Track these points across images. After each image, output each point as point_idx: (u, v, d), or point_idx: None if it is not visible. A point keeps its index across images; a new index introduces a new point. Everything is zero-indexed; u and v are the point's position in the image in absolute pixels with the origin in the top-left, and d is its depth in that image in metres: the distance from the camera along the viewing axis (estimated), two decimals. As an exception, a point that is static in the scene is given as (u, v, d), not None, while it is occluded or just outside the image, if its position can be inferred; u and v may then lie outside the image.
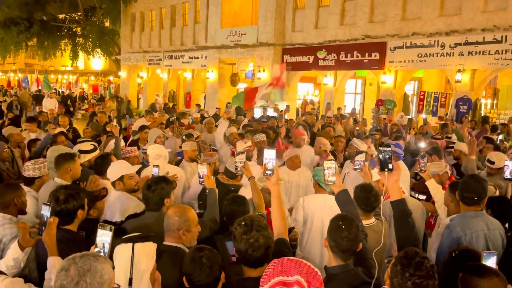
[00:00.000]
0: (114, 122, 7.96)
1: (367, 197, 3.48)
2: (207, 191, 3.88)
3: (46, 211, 2.60)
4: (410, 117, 13.54)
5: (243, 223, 2.41)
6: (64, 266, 1.78)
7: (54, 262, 2.54)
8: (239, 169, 3.70)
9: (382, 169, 2.52)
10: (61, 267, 1.78)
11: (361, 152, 3.68)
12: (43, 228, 2.55)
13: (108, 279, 1.80)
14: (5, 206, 3.18)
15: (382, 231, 2.72)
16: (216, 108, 14.64)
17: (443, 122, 11.70)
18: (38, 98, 19.21)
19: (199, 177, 3.89)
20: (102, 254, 2.16)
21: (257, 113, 14.48)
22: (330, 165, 2.97)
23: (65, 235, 2.89)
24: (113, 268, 1.91)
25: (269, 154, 2.78)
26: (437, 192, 4.34)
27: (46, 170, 4.20)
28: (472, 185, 3.35)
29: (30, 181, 4.08)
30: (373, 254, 2.44)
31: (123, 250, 2.26)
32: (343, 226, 2.44)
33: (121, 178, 3.95)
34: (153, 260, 2.27)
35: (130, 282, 2.20)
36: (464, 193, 3.33)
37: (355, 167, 3.95)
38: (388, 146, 2.51)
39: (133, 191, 4.03)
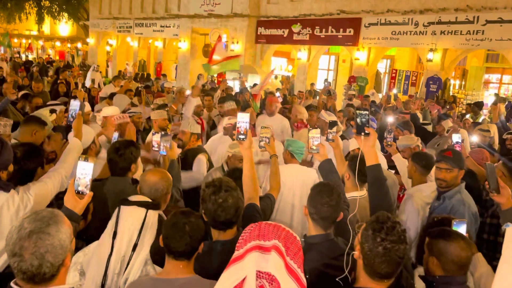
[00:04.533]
0: (80, 86, 7.66)
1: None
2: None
3: (75, 106, 3.31)
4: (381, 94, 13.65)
5: (211, 184, 2.33)
6: (14, 251, 1.54)
7: (74, 141, 3.20)
8: (262, 144, 3.36)
9: (358, 133, 2.48)
10: (11, 252, 1.55)
11: (334, 123, 3.60)
12: (72, 119, 3.31)
13: (69, 240, 1.65)
14: None
15: None
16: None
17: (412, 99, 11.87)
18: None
19: (159, 145, 3.71)
20: (85, 190, 2.07)
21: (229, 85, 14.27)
22: (314, 135, 2.90)
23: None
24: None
25: (242, 118, 2.68)
26: (403, 166, 4.40)
27: (7, 131, 3.96)
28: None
29: None
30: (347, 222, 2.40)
31: (135, 214, 2.19)
32: (324, 193, 2.38)
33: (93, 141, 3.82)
34: (155, 230, 2.22)
35: (134, 247, 2.15)
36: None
37: (328, 137, 3.90)
38: (366, 110, 2.47)
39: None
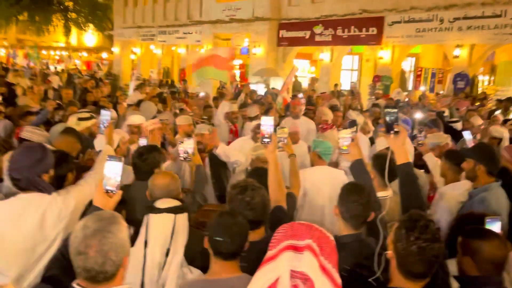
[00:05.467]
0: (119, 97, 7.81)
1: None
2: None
3: (106, 116, 3.41)
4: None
5: (237, 185, 2.38)
6: (79, 249, 1.60)
7: (107, 147, 3.29)
8: (280, 144, 3.37)
9: (388, 131, 2.46)
10: (76, 251, 1.61)
11: (353, 122, 3.55)
12: (104, 127, 3.42)
13: (128, 240, 1.71)
14: None
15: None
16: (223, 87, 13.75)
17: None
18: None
19: (184, 152, 3.71)
20: (114, 189, 2.10)
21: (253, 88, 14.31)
22: (344, 135, 2.87)
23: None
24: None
25: (267, 121, 2.71)
26: (436, 165, 4.30)
27: (42, 139, 4.07)
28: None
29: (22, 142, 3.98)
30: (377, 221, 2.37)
31: (164, 221, 2.23)
32: (354, 191, 2.39)
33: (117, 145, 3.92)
34: (187, 232, 2.28)
35: (167, 252, 2.19)
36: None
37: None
38: (394, 107, 2.45)
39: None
